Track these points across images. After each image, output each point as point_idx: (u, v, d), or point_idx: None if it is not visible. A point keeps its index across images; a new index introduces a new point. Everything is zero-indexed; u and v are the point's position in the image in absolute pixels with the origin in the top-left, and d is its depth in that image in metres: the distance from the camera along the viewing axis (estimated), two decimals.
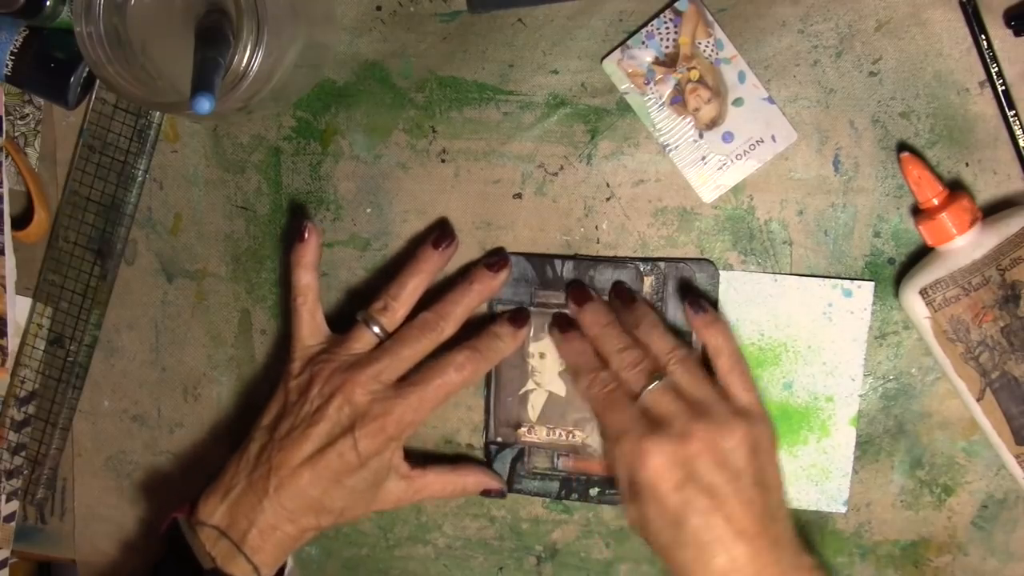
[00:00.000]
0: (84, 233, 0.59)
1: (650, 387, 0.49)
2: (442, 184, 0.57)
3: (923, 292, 0.51)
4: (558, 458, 0.57)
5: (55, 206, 0.60)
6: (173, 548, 0.52)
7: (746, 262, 0.55)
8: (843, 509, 0.56)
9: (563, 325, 0.55)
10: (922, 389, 0.55)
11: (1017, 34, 0.51)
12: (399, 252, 0.57)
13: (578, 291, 0.55)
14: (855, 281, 0.54)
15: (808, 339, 0.54)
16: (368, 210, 0.57)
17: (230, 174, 0.58)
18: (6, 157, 0.60)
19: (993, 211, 0.52)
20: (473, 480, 0.56)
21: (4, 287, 0.61)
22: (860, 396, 0.54)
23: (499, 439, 0.57)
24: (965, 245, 0.50)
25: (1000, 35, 0.51)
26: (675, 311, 0.55)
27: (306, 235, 0.54)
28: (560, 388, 0.56)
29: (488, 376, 0.57)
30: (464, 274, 0.55)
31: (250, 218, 0.58)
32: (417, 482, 0.54)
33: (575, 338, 0.54)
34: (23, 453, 0.62)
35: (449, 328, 0.53)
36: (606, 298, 0.55)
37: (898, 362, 0.55)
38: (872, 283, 0.54)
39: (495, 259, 0.55)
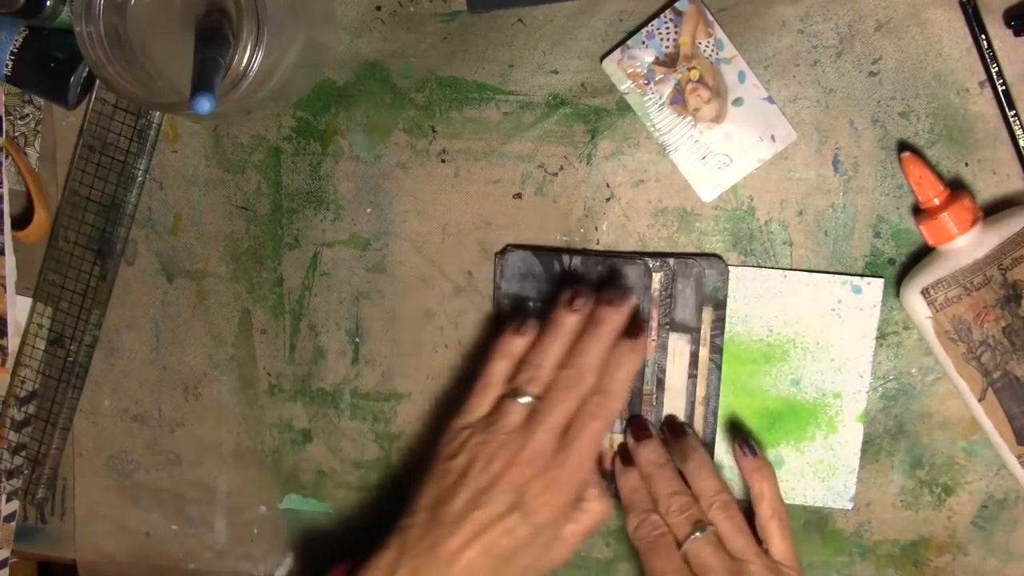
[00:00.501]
0: (84, 233, 0.59)
1: (694, 536, 0.51)
2: (442, 184, 0.57)
3: (924, 292, 0.51)
4: None
5: (55, 206, 0.60)
6: None
7: (746, 263, 0.55)
8: (849, 505, 0.56)
9: (624, 457, 0.55)
10: (922, 389, 0.55)
11: (1017, 34, 0.51)
12: (399, 252, 0.57)
13: (637, 426, 0.55)
14: (864, 278, 0.54)
15: (817, 335, 0.54)
16: (368, 210, 0.57)
17: (230, 174, 0.58)
18: (6, 157, 0.60)
19: (993, 211, 0.52)
20: (601, 507, 0.54)
21: (4, 287, 0.61)
22: (868, 393, 0.54)
23: None
24: (966, 245, 0.50)
25: (1000, 35, 0.51)
26: (683, 309, 0.54)
27: (521, 329, 0.53)
28: None
29: None
30: (590, 319, 0.52)
31: (250, 218, 0.58)
32: (571, 538, 0.52)
33: (632, 474, 0.54)
34: (23, 453, 0.62)
35: (590, 378, 0.51)
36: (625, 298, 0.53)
37: (898, 362, 0.55)
38: (881, 280, 0.54)
39: (615, 294, 0.52)
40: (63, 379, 0.61)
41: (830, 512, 0.56)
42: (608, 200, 0.56)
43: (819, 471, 0.56)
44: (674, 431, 0.55)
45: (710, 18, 0.53)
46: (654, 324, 0.55)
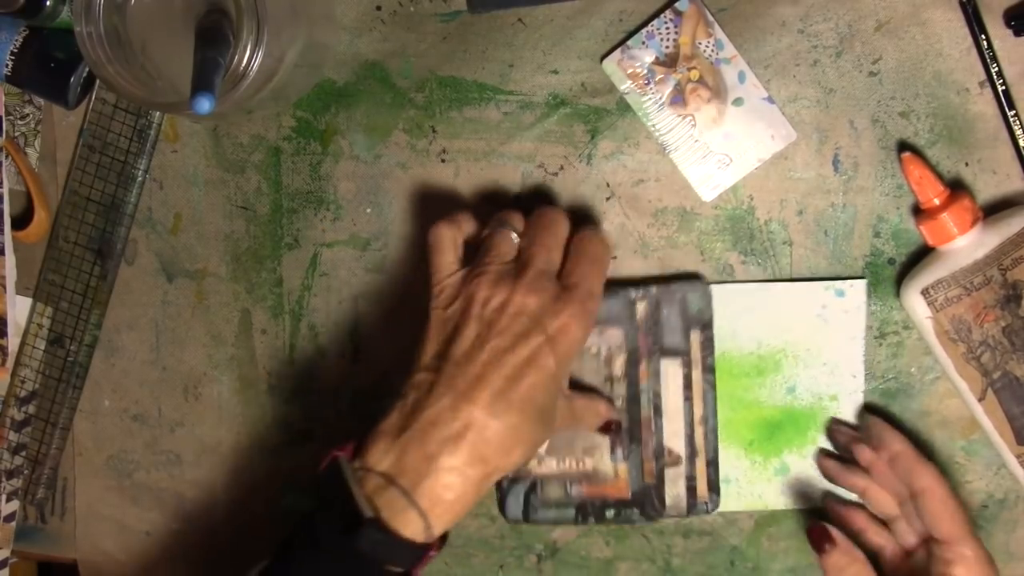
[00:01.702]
0: (84, 233, 0.59)
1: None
2: (442, 184, 0.57)
3: (924, 292, 0.51)
4: (571, 486, 0.55)
5: (55, 206, 0.60)
6: (328, 494, 0.44)
7: (746, 263, 0.55)
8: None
9: (820, 542, 0.52)
10: (922, 388, 0.55)
11: (1017, 34, 0.51)
12: (399, 252, 0.57)
13: (821, 538, 0.52)
14: (847, 280, 0.54)
15: (806, 342, 0.54)
16: (368, 210, 0.57)
17: (230, 174, 0.58)
18: (6, 157, 0.60)
19: (993, 211, 0.52)
20: (602, 407, 0.53)
21: (4, 287, 0.61)
22: (863, 392, 0.55)
23: (510, 473, 0.54)
24: (966, 245, 0.50)
25: (1000, 35, 0.51)
26: (671, 335, 0.54)
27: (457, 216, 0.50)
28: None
29: None
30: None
31: (250, 218, 0.58)
32: (574, 403, 0.50)
33: (838, 555, 0.51)
34: (23, 453, 0.62)
35: (563, 214, 0.50)
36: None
37: (898, 362, 0.55)
38: (864, 280, 0.54)
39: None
40: (63, 379, 0.61)
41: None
42: (608, 200, 0.56)
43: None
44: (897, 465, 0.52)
45: (710, 18, 0.53)
46: (644, 352, 0.54)
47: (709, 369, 0.54)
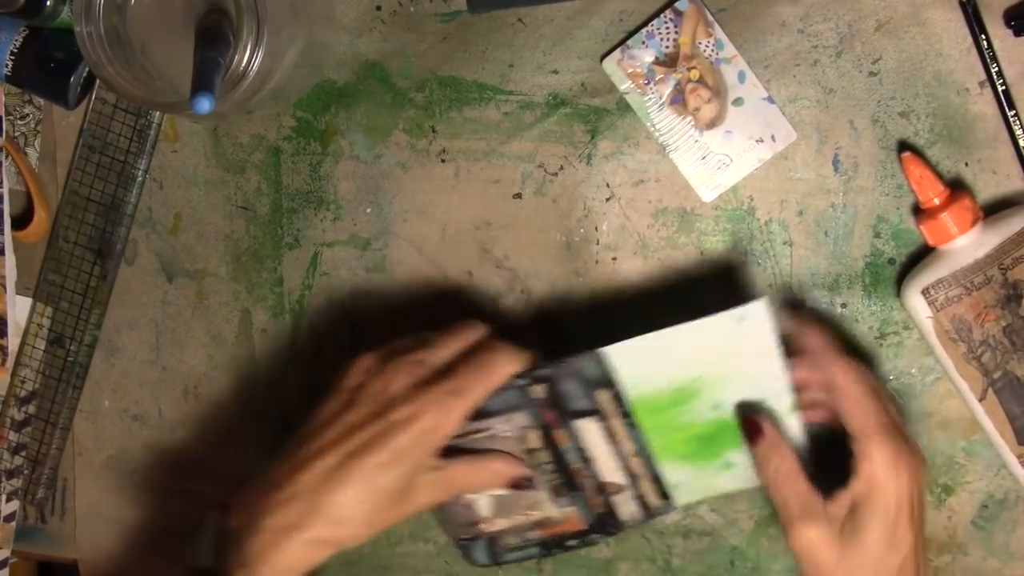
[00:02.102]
0: (84, 233, 0.59)
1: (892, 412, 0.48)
2: (442, 184, 0.57)
3: (925, 292, 0.51)
4: (527, 534, 0.55)
5: (55, 206, 0.60)
6: (193, 545, 0.48)
7: (746, 263, 0.55)
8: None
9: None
10: (922, 389, 0.55)
11: (1017, 34, 0.51)
12: (399, 252, 0.57)
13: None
14: (744, 306, 0.47)
15: (720, 369, 0.50)
16: (368, 210, 0.57)
17: (230, 174, 0.58)
18: (6, 157, 0.60)
19: (993, 211, 0.52)
20: (500, 467, 0.52)
21: (4, 287, 0.61)
22: (791, 387, 0.50)
23: (464, 536, 0.55)
24: (967, 244, 0.50)
25: (1000, 35, 0.51)
26: (576, 402, 0.50)
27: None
28: (501, 491, 0.53)
29: None
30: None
31: (250, 218, 0.58)
32: (446, 472, 0.49)
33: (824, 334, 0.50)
34: (23, 453, 0.62)
35: (484, 330, 0.51)
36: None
37: (898, 362, 0.55)
38: (763, 300, 0.47)
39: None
40: (63, 379, 0.61)
41: None
42: (608, 200, 0.56)
43: None
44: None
45: (710, 18, 0.53)
46: (554, 423, 0.51)
47: (626, 414, 0.51)
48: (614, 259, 0.56)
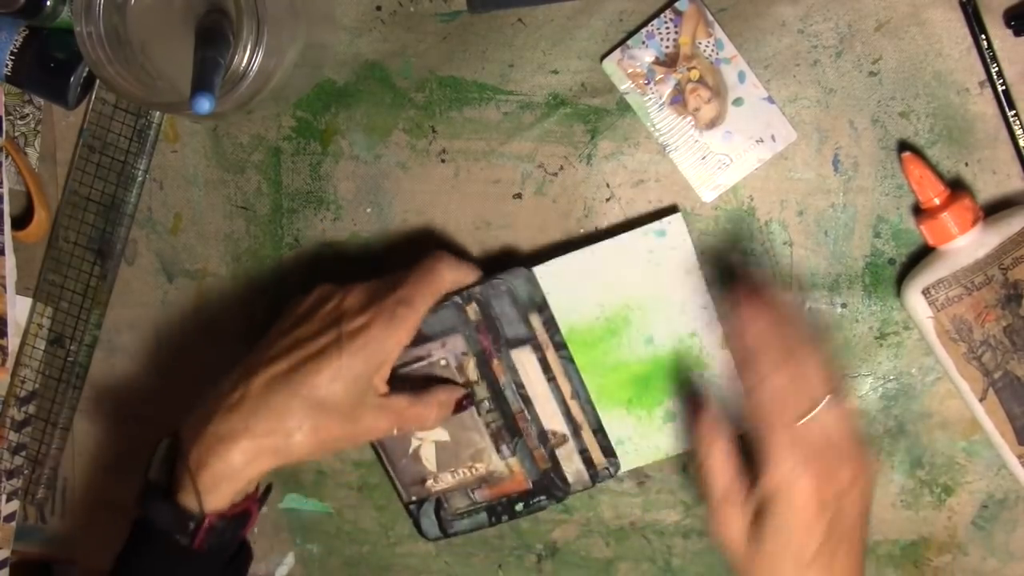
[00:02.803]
0: (84, 233, 0.59)
1: (813, 413, 0.46)
2: (442, 184, 0.57)
3: (925, 292, 0.51)
4: (473, 492, 0.57)
5: (55, 206, 0.60)
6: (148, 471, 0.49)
7: (747, 263, 0.55)
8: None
9: (750, 299, 0.48)
10: (922, 389, 0.55)
11: (1017, 34, 0.51)
12: (399, 252, 0.57)
13: (756, 291, 0.49)
14: (664, 219, 0.53)
15: (645, 290, 0.54)
16: (368, 210, 0.57)
17: (230, 174, 0.58)
18: (6, 157, 0.60)
19: (993, 211, 0.52)
20: (444, 396, 0.53)
21: (4, 287, 0.61)
22: (719, 319, 0.53)
23: (414, 497, 0.57)
24: (967, 244, 0.50)
25: (1000, 35, 0.51)
26: (510, 326, 0.54)
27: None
28: (442, 434, 0.56)
29: (375, 450, 0.57)
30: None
31: (250, 218, 0.58)
32: (393, 402, 0.50)
33: (763, 320, 0.47)
34: (23, 453, 0.62)
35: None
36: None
37: (898, 362, 0.55)
38: (678, 213, 0.52)
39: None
40: (63, 379, 0.61)
41: None
42: (608, 200, 0.56)
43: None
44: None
45: (710, 18, 0.53)
46: (490, 351, 0.54)
47: (560, 346, 0.54)
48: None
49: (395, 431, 0.51)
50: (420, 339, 0.53)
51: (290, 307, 0.52)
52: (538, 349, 0.54)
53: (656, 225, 0.53)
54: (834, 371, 0.47)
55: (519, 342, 0.54)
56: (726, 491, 0.48)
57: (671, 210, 0.54)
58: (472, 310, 0.53)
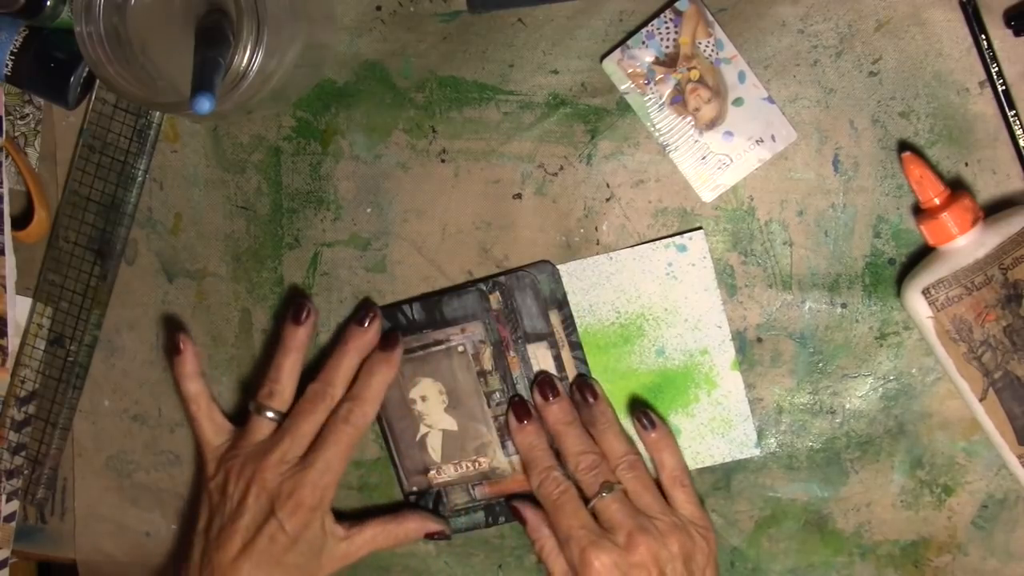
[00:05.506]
0: (84, 233, 0.59)
1: (601, 495, 0.52)
2: (442, 184, 0.57)
3: (925, 292, 0.51)
4: (473, 488, 0.57)
5: (55, 206, 0.60)
6: None
7: (746, 264, 0.55)
8: (756, 452, 0.56)
9: (520, 413, 0.55)
10: (922, 389, 0.55)
11: (1017, 34, 0.51)
12: (399, 252, 0.57)
13: (545, 385, 0.55)
14: (686, 234, 0.54)
15: (662, 302, 0.55)
16: (368, 210, 0.57)
17: (230, 174, 0.58)
18: (6, 157, 0.60)
19: (993, 211, 0.52)
20: (414, 526, 0.57)
21: (4, 287, 0.61)
22: (732, 340, 0.55)
23: (415, 488, 0.58)
24: (967, 244, 0.50)
25: (1000, 35, 0.51)
26: (530, 319, 0.55)
27: (180, 346, 0.57)
28: (451, 424, 0.57)
29: (383, 433, 0.58)
30: (339, 337, 0.57)
31: (250, 218, 0.58)
32: (357, 539, 0.55)
33: (532, 431, 0.55)
34: (23, 453, 0.62)
35: (338, 391, 0.55)
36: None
37: (898, 362, 0.55)
38: (701, 230, 0.54)
39: (363, 313, 0.56)
40: (63, 379, 0.61)
41: (830, 512, 0.56)
42: (608, 200, 0.56)
43: (715, 428, 0.56)
44: (584, 394, 0.55)
45: (710, 18, 0.53)
46: (508, 342, 0.55)
47: (576, 346, 0.55)
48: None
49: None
50: (441, 323, 0.55)
51: (206, 486, 0.56)
52: (554, 347, 0.55)
53: (677, 239, 0.54)
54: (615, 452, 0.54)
55: (537, 337, 0.55)
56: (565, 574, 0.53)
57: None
58: (495, 299, 0.55)
